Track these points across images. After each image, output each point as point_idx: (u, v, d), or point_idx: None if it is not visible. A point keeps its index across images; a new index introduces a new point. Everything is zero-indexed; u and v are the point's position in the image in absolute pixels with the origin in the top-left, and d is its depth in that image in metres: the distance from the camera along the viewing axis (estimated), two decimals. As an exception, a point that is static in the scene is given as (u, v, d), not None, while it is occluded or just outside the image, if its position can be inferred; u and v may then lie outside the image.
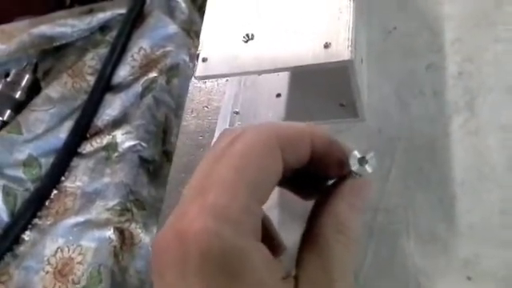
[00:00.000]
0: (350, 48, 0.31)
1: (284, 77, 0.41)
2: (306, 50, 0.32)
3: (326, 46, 0.32)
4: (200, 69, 0.34)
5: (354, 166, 0.23)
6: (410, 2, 0.39)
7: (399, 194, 0.33)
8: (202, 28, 0.37)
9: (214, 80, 0.42)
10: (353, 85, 0.34)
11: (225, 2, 0.36)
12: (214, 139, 0.41)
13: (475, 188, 0.32)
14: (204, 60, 0.35)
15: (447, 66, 0.36)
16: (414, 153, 0.34)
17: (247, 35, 0.34)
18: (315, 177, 0.26)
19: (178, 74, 0.75)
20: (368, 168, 0.23)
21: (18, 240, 0.69)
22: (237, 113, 0.40)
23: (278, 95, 0.40)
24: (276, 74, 0.41)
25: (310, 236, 0.23)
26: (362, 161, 0.23)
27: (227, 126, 0.40)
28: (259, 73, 0.34)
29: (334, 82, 0.37)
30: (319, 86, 0.38)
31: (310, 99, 0.39)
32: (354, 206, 0.23)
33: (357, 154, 0.23)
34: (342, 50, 0.31)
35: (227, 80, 0.43)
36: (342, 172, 0.24)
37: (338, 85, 0.37)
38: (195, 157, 0.40)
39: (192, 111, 0.43)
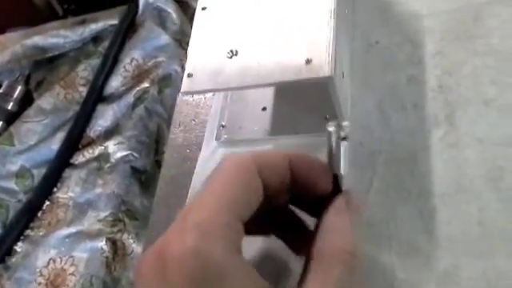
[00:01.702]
0: (330, 64, 0.32)
1: (269, 91, 0.41)
2: (289, 65, 0.33)
3: (308, 61, 0.32)
4: (185, 84, 0.35)
5: (331, 128, 0.24)
6: (392, 16, 0.40)
7: (381, 207, 0.34)
8: (189, 44, 0.37)
9: (201, 94, 0.42)
10: (334, 99, 0.34)
11: (211, 19, 0.37)
12: (201, 152, 0.41)
13: (454, 200, 0.33)
14: (189, 75, 0.35)
15: (427, 79, 0.37)
16: (395, 165, 0.35)
17: (231, 51, 0.35)
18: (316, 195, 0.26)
19: (169, 85, 0.76)
20: (344, 131, 0.24)
21: (10, 251, 0.69)
22: (223, 126, 0.41)
23: (264, 109, 0.41)
24: (261, 88, 0.41)
25: (311, 252, 0.23)
26: (339, 127, 0.24)
27: (214, 140, 0.41)
28: (243, 88, 0.35)
29: (318, 96, 0.38)
30: (303, 99, 0.39)
31: (295, 113, 0.39)
32: (347, 219, 0.24)
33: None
34: (322, 66, 0.32)
35: (214, 94, 0.43)
36: (329, 185, 0.25)
37: (322, 99, 0.38)
38: (182, 170, 0.41)
39: (179, 124, 0.43)
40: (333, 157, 0.24)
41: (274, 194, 0.24)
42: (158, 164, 0.76)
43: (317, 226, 0.25)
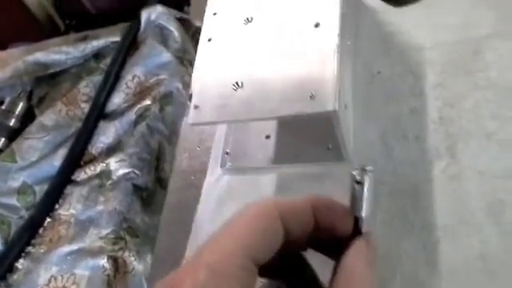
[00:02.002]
0: (334, 99, 0.32)
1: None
2: (293, 99, 0.33)
3: (312, 96, 0.33)
4: (192, 116, 0.36)
5: (355, 171, 0.24)
6: (394, 47, 0.41)
7: (385, 239, 0.34)
8: (193, 75, 0.38)
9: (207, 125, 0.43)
10: (337, 131, 0.35)
11: (216, 50, 0.38)
12: (206, 179, 0.42)
13: (456, 232, 0.33)
14: (196, 107, 0.36)
15: (429, 110, 0.37)
16: (398, 197, 0.35)
17: (237, 83, 0.36)
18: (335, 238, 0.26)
19: (171, 102, 0.76)
20: (368, 175, 0.24)
21: (11, 268, 0.69)
22: (228, 153, 0.41)
23: (267, 137, 0.41)
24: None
25: None
26: (363, 171, 0.24)
27: (219, 167, 0.41)
28: (248, 121, 0.35)
29: (321, 127, 0.39)
30: (307, 129, 0.40)
31: (298, 141, 0.40)
32: (364, 260, 0.24)
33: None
34: (326, 101, 0.32)
35: (218, 121, 0.44)
36: (350, 228, 0.25)
37: (325, 129, 0.38)
38: (187, 196, 0.41)
39: (184, 151, 0.44)
40: (355, 199, 0.25)
41: (295, 239, 0.24)
42: (159, 181, 0.76)
43: (335, 269, 0.25)
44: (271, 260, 0.24)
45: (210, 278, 0.21)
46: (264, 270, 0.24)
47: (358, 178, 0.24)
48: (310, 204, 0.24)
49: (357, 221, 0.25)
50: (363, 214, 0.25)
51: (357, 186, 0.24)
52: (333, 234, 0.25)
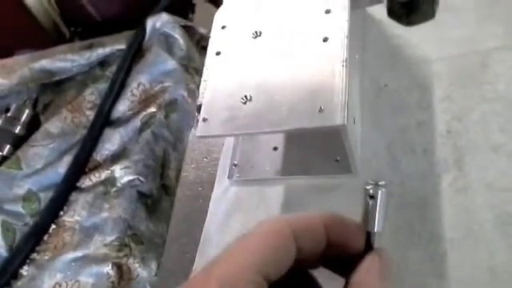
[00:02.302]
0: (342, 113, 0.32)
1: (280, 130, 0.42)
2: (301, 113, 0.34)
3: (320, 110, 0.33)
4: (201, 129, 0.36)
5: (369, 186, 0.24)
6: (401, 60, 0.41)
7: (392, 251, 0.34)
8: (201, 87, 0.38)
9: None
10: (346, 145, 0.35)
11: (225, 63, 0.38)
12: (214, 191, 0.42)
13: (464, 245, 0.33)
14: (204, 120, 0.36)
15: (436, 124, 0.38)
16: (406, 210, 0.35)
17: (245, 97, 0.36)
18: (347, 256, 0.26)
19: (176, 109, 0.77)
20: (382, 190, 0.24)
21: (16, 275, 0.69)
22: (235, 165, 0.42)
23: (275, 148, 0.42)
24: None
25: None
26: (377, 186, 0.25)
27: (226, 178, 0.41)
28: (256, 134, 0.35)
29: (329, 139, 0.39)
30: (315, 142, 0.40)
31: (306, 154, 0.40)
32: (378, 275, 0.24)
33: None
34: (334, 115, 0.33)
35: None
36: (362, 245, 0.25)
37: (333, 142, 0.38)
38: (195, 208, 0.41)
39: (192, 161, 0.44)
40: (368, 214, 0.25)
41: (307, 257, 0.24)
42: (164, 188, 0.76)
43: (346, 285, 0.25)
44: (281, 277, 0.24)
45: None
46: (273, 286, 0.24)
47: (371, 192, 0.24)
48: (323, 221, 0.24)
49: (369, 236, 0.25)
50: (376, 229, 0.25)
51: (370, 201, 0.24)
52: (345, 251, 0.25)
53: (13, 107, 0.77)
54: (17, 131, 0.76)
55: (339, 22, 0.35)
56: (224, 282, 0.21)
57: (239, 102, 0.36)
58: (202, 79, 0.39)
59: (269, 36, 0.37)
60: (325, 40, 0.36)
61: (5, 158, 0.74)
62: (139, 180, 0.73)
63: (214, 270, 0.22)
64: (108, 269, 0.68)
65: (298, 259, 0.24)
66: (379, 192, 0.25)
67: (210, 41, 0.39)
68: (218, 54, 0.38)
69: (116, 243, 0.70)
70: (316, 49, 0.35)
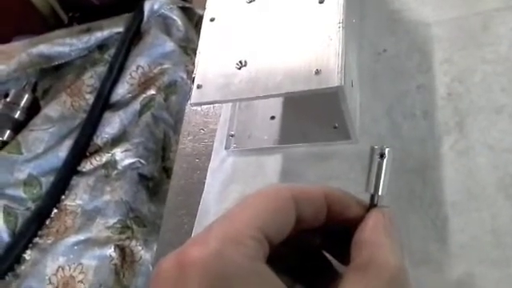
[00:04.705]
0: (339, 74, 0.32)
1: (278, 100, 0.41)
2: (298, 76, 0.33)
3: (317, 72, 0.32)
4: (195, 95, 0.35)
5: (376, 146, 0.24)
6: (400, 25, 0.40)
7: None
8: (197, 55, 0.37)
9: (210, 105, 0.43)
10: (343, 109, 0.34)
11: (219, 29, 0.37)
12: (211, 162, 0.41)
13: (466, 208, 0.33)
14: (199, 87, 0.35)
15: (437, 86, 0.37)
16: (406, 174, 0.35)
17: (240, 62, 0.35)
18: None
19: (175, 91, 0.76)
20: (388, 152, 0.24)
21: (19, 259, 0.70)
22: (232, 135, 0.41)
23: (272, 117, 0.41)
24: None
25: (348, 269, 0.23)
26: (381, 148, 0.24)
27: (223, 149, 0.41)
28: (252, 99, 0.35)
29: (327, 105, 0.38)
30: (313, 108, 0.39)
31: (304, 121, 0.39)
32: (383, 230, 0.23)
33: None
34: (331, 77, 0.32)
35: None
36: (362, 218, 0.25)
37: (331, 108, 0.38)
38: (192, 180, 0.41)
39: (188, 134, 0.43)
40: (373, 175, 0.24)
41: (308, 225, 0.24)
42: (164, 170, 0.76)
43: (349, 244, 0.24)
44: (291, 256, 0.24)
45: (220, 246, 0.20)
46: (286, 269, 0.24)
47: (380, 151, 0.24)
48: (323, 192, 0.24)
49: (372, 198, 0.25)
50: (380, 192, 0.25)
51: (378, 160, 0.24)
52: (345, 223, 0.25)
53: (12, 92, 0.76)
54: (16, 116, 0.76)
55: (335, -17, 0.35)
56: (224, 236, 0.21)
57: (234, 67, 0.35)
58: (198, 50, 0.38)
59: (263, 0, 0.37)
60: (321, 2, 0.35)
61: (5, 143, 0.74)
62: (140, 162, 0.73)
63: (213, 230, 0.21)
64: (111, 251, 0.68)
65: (300, 229, 0.23)
66: (386, 150, 0.24)
67: (205, 7, 0.39)
68: (212, 20, 0.38)
69: (118, 226, 0.70)
70: (312, 11, 0.35)
